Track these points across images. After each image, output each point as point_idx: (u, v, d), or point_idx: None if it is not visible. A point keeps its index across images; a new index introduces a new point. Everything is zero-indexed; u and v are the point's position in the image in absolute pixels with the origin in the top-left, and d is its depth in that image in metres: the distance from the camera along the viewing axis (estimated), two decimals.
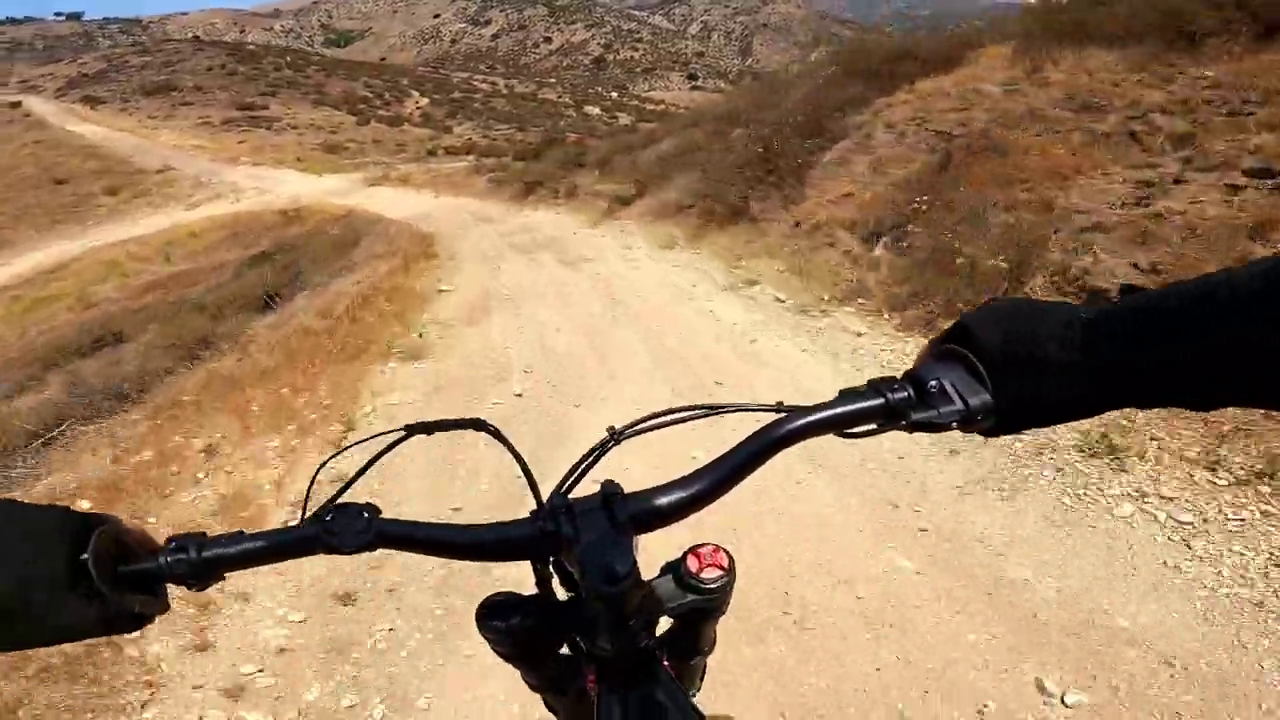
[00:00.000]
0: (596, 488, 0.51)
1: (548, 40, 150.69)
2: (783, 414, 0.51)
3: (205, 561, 0.46)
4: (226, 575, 0.48)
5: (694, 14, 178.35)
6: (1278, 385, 0.38)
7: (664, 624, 0.55)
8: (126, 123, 39.76)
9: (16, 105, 48.29)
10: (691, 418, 0.53)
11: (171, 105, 43.91)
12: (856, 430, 0.50)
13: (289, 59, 62.04)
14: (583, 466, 0.52)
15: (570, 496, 0.50)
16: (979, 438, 0.53)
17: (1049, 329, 0.45)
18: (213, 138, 32.87)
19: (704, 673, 0.67)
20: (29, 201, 22.18)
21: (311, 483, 0.58)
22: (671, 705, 0.49)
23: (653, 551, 0.54)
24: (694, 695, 0.62)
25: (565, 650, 0.56)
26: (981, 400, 0.47)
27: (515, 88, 71.25)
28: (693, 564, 0.53)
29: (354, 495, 0.51)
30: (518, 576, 0.56)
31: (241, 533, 0.48)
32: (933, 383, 0.48)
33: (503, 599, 0.53)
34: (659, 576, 0.54)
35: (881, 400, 0.49)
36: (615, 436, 0.52)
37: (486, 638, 0.52)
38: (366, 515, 0.48)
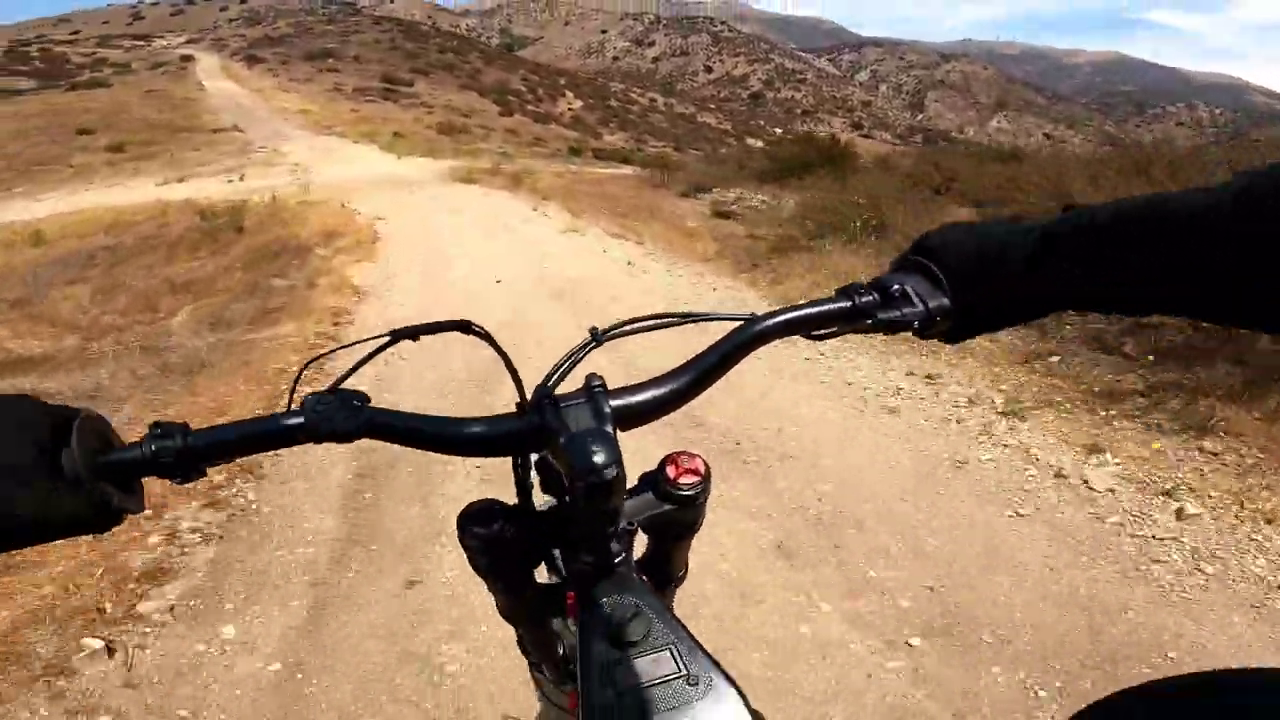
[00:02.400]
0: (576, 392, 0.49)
1: (708, 69, 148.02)
2: (755, 319, 0.53)
3: (191, 450, 0.43)
4: (208, 470, 0.45)
5: (863, 62, 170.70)
6: (1222, 302, 0.40)
7: (639, 550, 0.55)
8: (264, 82, 38.15)
9: (188, 59, 49.25)
10: (672, 324, 0.54)
11: (318, 70, 42.01)
12: (823, 331, 0.53)
13: (455, 43, 60.41)
14: (565, 365, 0.51)
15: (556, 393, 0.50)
16: None
17: (1003, 239, 0.50)
18: (329, 104, 30.26)
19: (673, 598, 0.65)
20: (14, 150, 19.10)
21: (296, 380, 0.56)
22: (655, 617, 0.47)
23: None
24: None
25: (543, 581, 0.56)
26: (940, 303, 0.51)
27: (674, 107, 66.67)
28: (670, 471, 0.53)
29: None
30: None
31: (229, 424, 0.45)
32: (895, 287, 0.52)
33: (484, 505, 0.51)
34: (637, 485, 0.53)
35: (848, 303, 0.52)
36: (597, 337, 0.52)
37: (466, 545, 0.50)
38: (357, 403, 0.46)
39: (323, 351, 0.68)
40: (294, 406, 0.46)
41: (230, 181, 13.64)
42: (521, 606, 0.57)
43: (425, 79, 42.83)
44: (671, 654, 0.45)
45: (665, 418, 0.51)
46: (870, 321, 0.51)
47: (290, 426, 0.45)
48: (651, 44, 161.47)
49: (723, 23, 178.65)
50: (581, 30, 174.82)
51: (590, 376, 0.49)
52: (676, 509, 0.53)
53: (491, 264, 6.23)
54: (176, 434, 0.43)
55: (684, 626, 0.47)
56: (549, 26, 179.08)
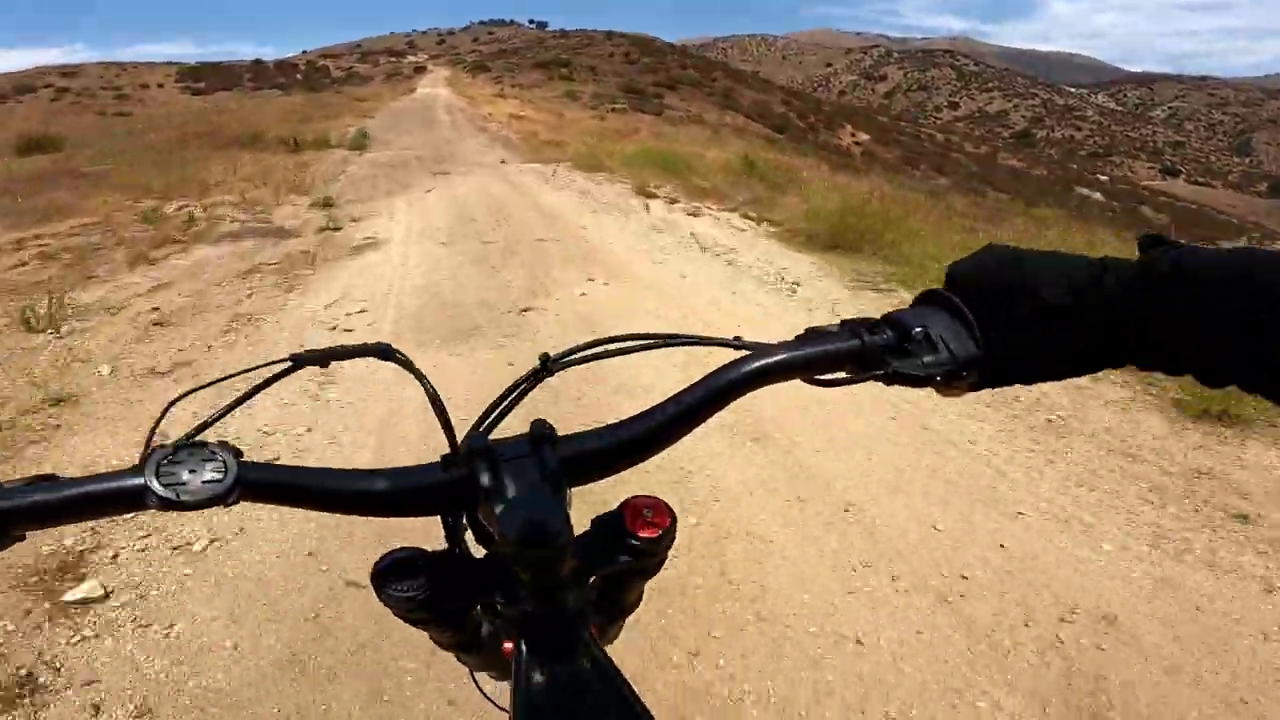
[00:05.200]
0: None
1: (953, 105, 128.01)
2: (743, 351, 0.43)
3: None
4: (25, 535, 0.36)
5: (1156, 99, 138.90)
6: None
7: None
8: (481, 90, 29.53)
9: (420, 69, 48.00)
10: (638, 348, 0.45)
11: (547, 78, 33.06)
12: (828, 377, 0.44)
13: (691, 60, 50.35)
14: (509, 399, 0.43)
15: (491, 438, 0.40)
16: None
17: (1050, 276, 0.40)
18: (558, 111, 19.85)
19: (621, 628, 0.57)
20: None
21: (159, 420, 0.39)
22: (598, 677, 0.41)
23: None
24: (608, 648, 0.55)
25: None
26: (968, 353, 0.41)
27: (965, 146, 50.96)
28: (629, 519, 0.44)
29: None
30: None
31: (51, 477, 0.36)
32: (917, 329, 0.42)
33: (405, 556, 0.42)
34: (590, 531, 0.45)
35: (857, 342, 0.43)
36: (547, 365, 0.43)
37: (387, 604, 0.41)
38: (220, 458, 0.36)
39: (194, 387, 0.44)
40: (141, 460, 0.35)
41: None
42: (456, 643, 0.49)
43: (674, 93, 31.95)
44: None
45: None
46: (884, 372, 0.42)
47: (126, 490, 0.35)
48: (883, 78, 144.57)
49: (965, 56, 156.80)
50: (800, 65, 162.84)
51: (536, 423, 0.41)
52: (634, 560, 0.44)
53: None
54: None
55: (629, 695, 0.40)
56: (765, 61, 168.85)
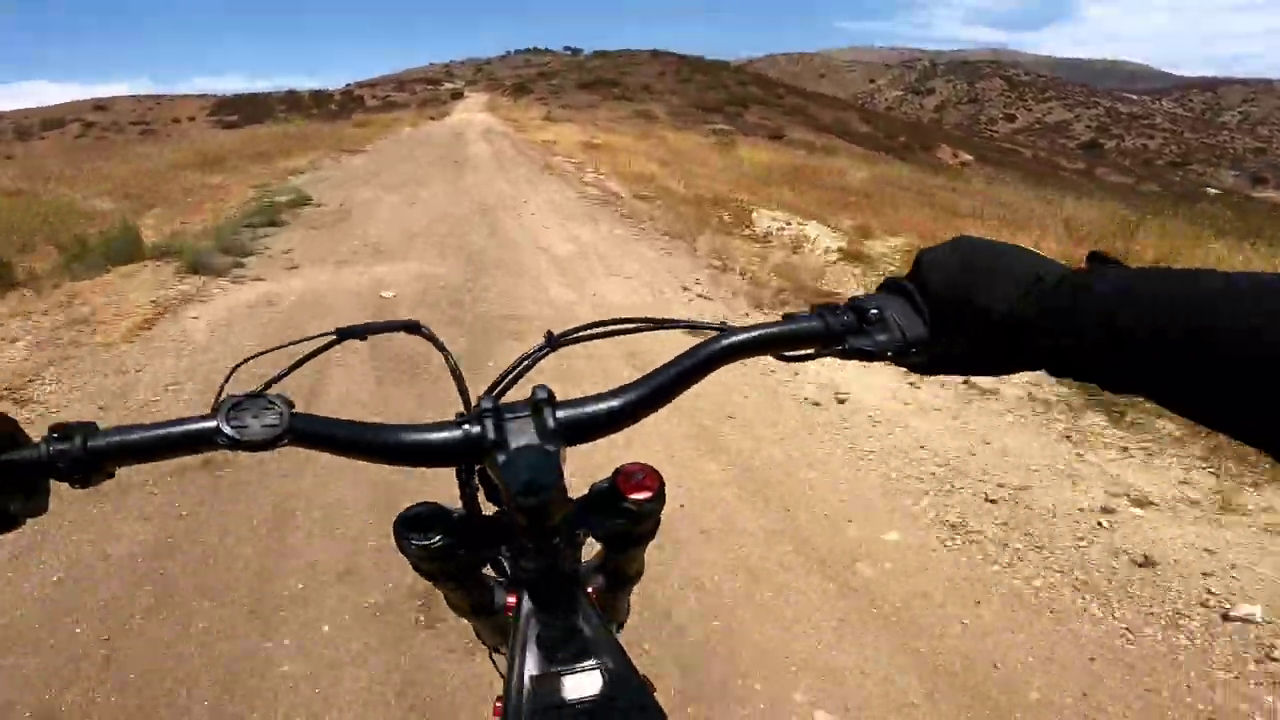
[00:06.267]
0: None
1: (1009, 118, 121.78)
2: (723, 332, 0.49)
3: (91, 453, 0.40)
4: (115, 471, 0.42)
5: (1223, 103, 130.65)
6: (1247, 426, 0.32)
7: (591, 551, 0.53)
8: (527, 113, 25.85)
9: (457, 95, 45.66)
10: (633, 330, 0.51)
11: (600, 98, 29.36)
12: (796, 353, 0.48)
13: (748, 78, 46.39)
14: (517, 370, 0.49)
15: (503, 402, 0.47)
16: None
17: (1006, 278, 0.42)
18: (647, 133, 15.40)
19: (629, 608, 0.63)
20: None
21: (226, 379, 0.49)
22: (591, 634, 0.46)
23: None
24: (618, 631, 0.60)
25: (490, 572, 0.54)
26: (917, 334, 0.45)
27: (1061, 161, 45.81)
28: (622, 485, 0.49)
29: None
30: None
31: (136, 425, 0.42)
32: (873, 310, 0.46)
33: (423, 511, 0.48)
34: (586, 496, 0.51)
35: (821, 323, 0.47)
36: (552, 342, 0.50)
37: (406, 554, 0.48)
38: (278, 408, 0.42)
39: (257, 353, 0.54)
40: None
41: None
42: (468, 602, 0.54)
43: (749, 111, 27.84)
44: (601, 674, 0.43)
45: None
46: (842, 347, 0.46)
47: (202, 432, 0.41)
48: (930, 91, 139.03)
49: (1013, 66, 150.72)
50: (841, 80, 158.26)
51: (538, 388, 0.46)
52: (626, 524, 0.50)
53: None
54: (77, 435, 0.40)
55: (619, 648, 0.45)
56: (800, 78, 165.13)
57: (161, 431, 0.41)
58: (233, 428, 0.40)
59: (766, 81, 47.37)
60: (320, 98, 53.64)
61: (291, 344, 0.53)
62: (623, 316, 0.52)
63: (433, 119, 21.79)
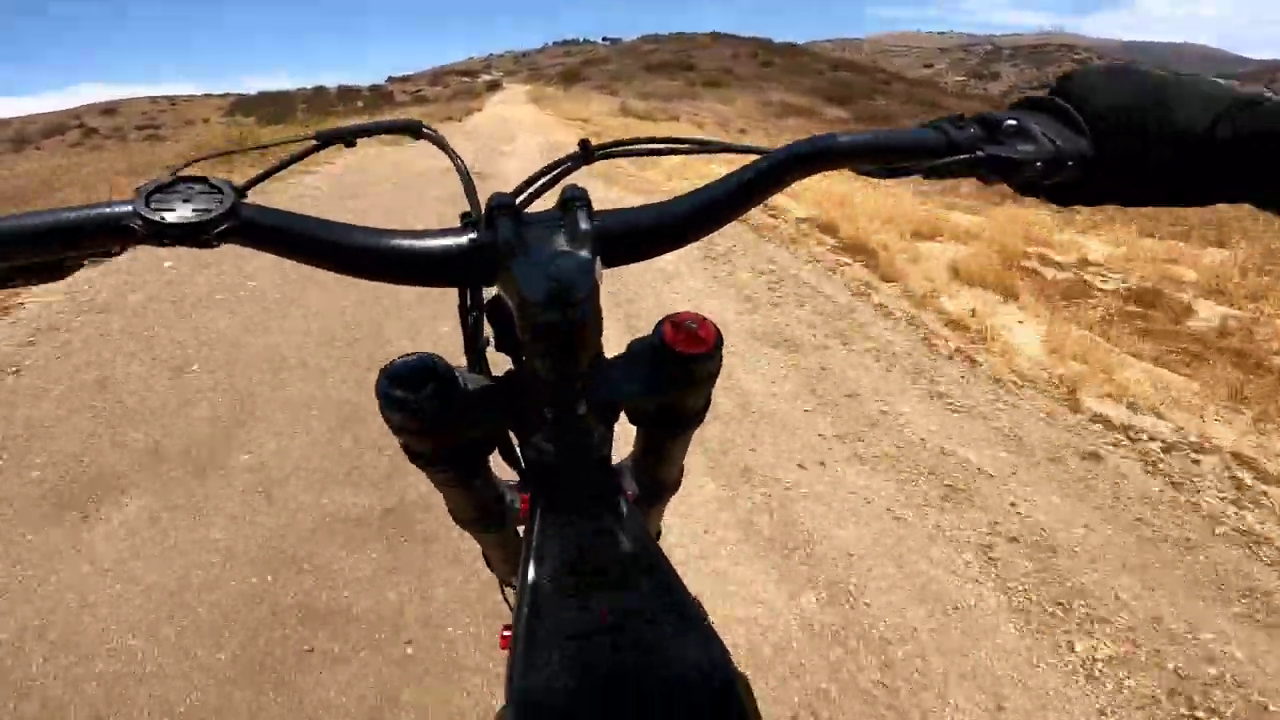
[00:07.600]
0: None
1: None
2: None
3: None
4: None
5: None
6: None
7: (620, 454, 0.41)
8: (591, 106, 20.21)
9: (494, 86, 44.71)
10: (681, 151, 0.40)
11: (687, 84, 23.46)
12: (904, 164, 0.38)
13: (836, 63, 39.98)
14: (546, 177, 0.37)
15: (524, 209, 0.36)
16: None
17: (1193, 98, 0.35)
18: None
19: (661, 530, 0.50)
20: None
21: (183, 167, 0.36)
22: (628, 540, 0.34)
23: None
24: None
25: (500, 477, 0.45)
26: (1076, 147, 0.36)
27: None
28: (669, 336, 0.38)
29: None
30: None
31: (31, 211, 0.32)
32: (1009, 122, 0.37)
33: (415, 362, 0.37)
34: (623, 356, 0.40)
35: (940, 135, 0.38)
36: (587, 152, 0.38)
37: (389, 418, 0.37)
38: (220, 193, 0.33)
39: (218, 153, 0.45)
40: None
41: None
42: (473, 506, 0.44)
43: (875, 103, 21.71)
44: (640, 596, 0.32)
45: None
46: (975, 155, 0.36)
47: (113, 217, 0.32)
48: (995, 76, 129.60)
49: (1086, 49, 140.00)
50: (892, 67, 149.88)
51: (570, 188, 0.36)
52: (674, 390, 0.39)
53: None
54: None
55: (664, 560, 0.34)
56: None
57: (55, 220, 0.31)
58: (160, 213, 0.31)
59: (859, 66, 40.95)
60: (346, 94, 49.28)
61: (257, 148, 0.44)
62: (671, 136, 0.40)
63: (449, 119, 15.97)
